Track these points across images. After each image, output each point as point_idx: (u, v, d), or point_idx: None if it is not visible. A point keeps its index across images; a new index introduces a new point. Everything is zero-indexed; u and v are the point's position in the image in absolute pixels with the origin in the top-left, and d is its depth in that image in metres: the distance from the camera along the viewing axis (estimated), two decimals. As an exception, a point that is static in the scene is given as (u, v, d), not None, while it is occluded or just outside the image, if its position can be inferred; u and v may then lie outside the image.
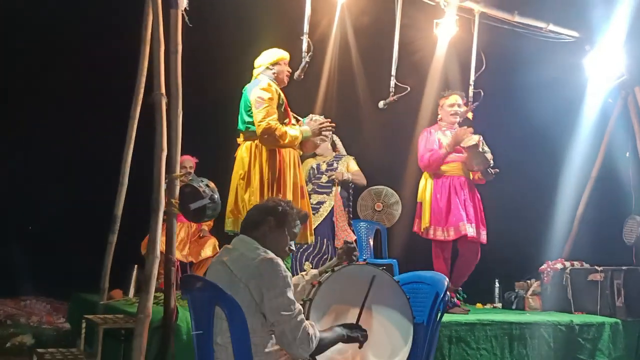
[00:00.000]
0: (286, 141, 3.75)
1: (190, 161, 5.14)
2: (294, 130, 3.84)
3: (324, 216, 4.88)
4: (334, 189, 4.94)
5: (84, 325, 3.87)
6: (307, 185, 4.72)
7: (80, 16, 4.99)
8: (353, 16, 4.69)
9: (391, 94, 4.63)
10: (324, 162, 5.08)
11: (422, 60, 5.13)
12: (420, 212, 4.83)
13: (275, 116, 3.73)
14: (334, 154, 5.15)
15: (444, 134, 4.82)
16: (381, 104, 4.68)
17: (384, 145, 6.07)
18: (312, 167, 5.04)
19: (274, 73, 3.91)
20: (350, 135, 5.45)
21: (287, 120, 3.89)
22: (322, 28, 4.63)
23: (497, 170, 4.76)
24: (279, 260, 2.40)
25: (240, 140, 3.93)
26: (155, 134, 3.25)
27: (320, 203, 4.92)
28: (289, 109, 3.95)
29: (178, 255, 4.83)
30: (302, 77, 4.14)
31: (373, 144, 5.71)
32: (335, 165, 5.03)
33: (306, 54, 4.12)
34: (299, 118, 4.14)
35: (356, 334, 2.50)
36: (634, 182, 5.40)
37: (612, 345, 4.57)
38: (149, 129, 3.40)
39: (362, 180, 5.13)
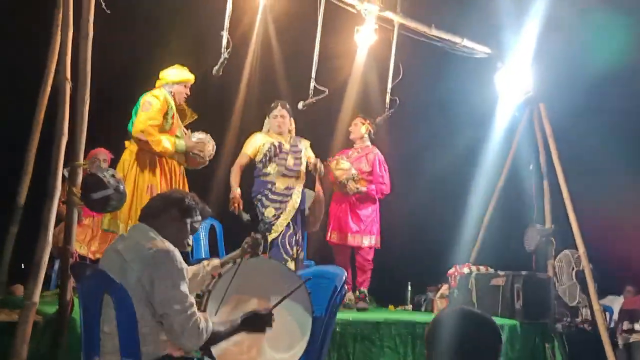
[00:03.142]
0: (159, 149, 3.96)
1: (104, 154, 4.96)
2: (168, 143, 4.03)
3: (295, 207, 4.55)
4: (302, 173, 4.66)
5: (-25, 320, 3.68)
6: (269, 164, 4.56)
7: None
8: (275, 16, 4.72)
9: (310, 96, 4.70)
10: (285, 141, 4.68)
11: (343, 64, 5.25)
12: None
13: (157, 122, 3.95)
14: (290, 135, 4.79)
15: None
16: (300, 104, 4.73)
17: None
18: (272, 145, 4.62)
19: (171, 92, 4.15)
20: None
21: (178, 133, 4.12)
22: (243, 26, 4.64)
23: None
24: (176, 251, 2.38)
25: (127, 142, 4.08)
26: (57, 118, 3.15)
27: (289, 188, 4.56)
28: (178, 122, 4.14)
29: (84, 251, 4.68)
30: (221, 73, 4.16)
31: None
32: (299, 146, 4.72)
33: (225, 50, 4.14)
34: (186, 131, 4.28)
35: (255, 325, 2.50)
36: (536, 193, 5.74)
37: (509, 345, 4.80)
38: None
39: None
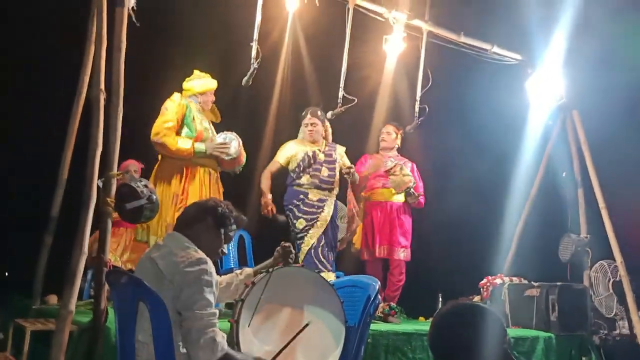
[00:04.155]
0: (174, 149, 3.99)
1: (135, 165, 5.03)
2: (186, 143, 4.05)
3: (327, 220, 4.50)
4: (336, 183, 4.59)
5: (11, 329, 3.75)
6: (303, 174, 4.53)
7: (27, 9, 4.87)
8: (304, 26, 4.75)
9: (339, 105, 4.70)
10: (319, 150, 4.61)
11: (371, 73, 5.24)
12: None
13: (171, 125, 4.00)
14: (324, 142, 4.74)
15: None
16: (329, 114, 4.74)
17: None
18: (306, 155, 4.57)
19: (199, 102, 4.26)
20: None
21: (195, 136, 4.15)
22: (273, 37, 4.69)
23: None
24: (208, 260, 2.37)
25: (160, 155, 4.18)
26: (91, 129, 3.19)
27: (322, 200, 4.51)
28: (204, 127, 4.18)
29: (117, 261, 4.73)
30: (250, 83, 4.20)
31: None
32: (334, 155, 4.66)
33: (254, 60, 4.17)
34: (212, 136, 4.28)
35: None
36: (570, 201, 5.61)
37: (545, 358, 4.68)
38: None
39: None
